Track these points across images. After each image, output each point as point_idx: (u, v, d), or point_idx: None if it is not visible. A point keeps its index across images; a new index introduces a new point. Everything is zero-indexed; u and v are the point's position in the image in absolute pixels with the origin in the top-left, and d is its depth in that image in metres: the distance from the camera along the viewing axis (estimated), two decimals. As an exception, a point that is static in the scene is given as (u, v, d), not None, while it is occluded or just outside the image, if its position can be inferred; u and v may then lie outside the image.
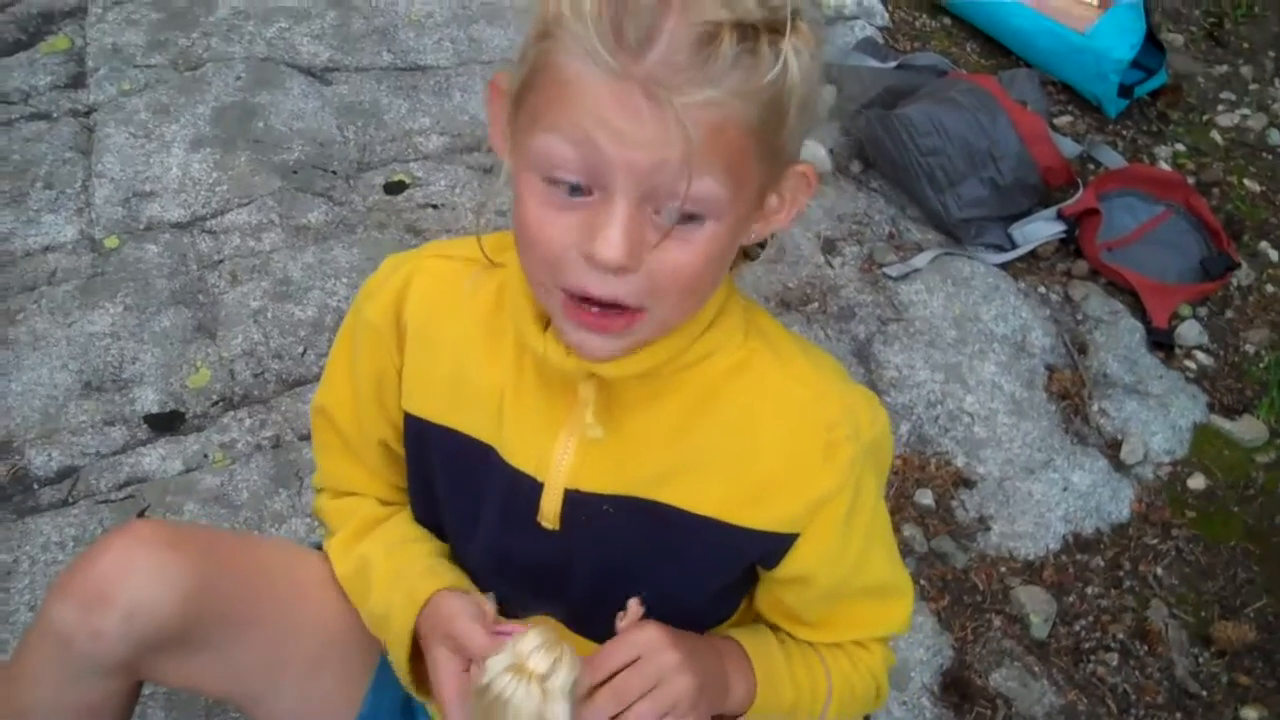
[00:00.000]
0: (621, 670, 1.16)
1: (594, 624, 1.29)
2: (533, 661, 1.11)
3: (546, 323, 1.17)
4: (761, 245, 1.22)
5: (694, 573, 1.28)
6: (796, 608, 1.31)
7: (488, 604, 1.24)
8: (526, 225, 1.06)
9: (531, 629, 1.14)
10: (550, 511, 1.24)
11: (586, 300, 1.06)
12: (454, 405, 1.28)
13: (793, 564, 1.25)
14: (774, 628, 1.36)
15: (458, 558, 1.36)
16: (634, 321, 1.08)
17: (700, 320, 1.18)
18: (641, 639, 1.17)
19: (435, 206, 2.88)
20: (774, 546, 1.24)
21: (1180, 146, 3.45)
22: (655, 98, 0.95)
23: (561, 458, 1.22)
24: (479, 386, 1.25)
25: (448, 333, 1.27)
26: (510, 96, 1.07)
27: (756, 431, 1.21)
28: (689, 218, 1.02)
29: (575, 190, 1.02)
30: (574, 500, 1.23)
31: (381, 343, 1.30)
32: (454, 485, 1.32)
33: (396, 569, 1.34)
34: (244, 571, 1.37)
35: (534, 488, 1.24)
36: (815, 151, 3.04)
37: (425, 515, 1.41)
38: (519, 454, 1.24)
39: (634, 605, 1.19)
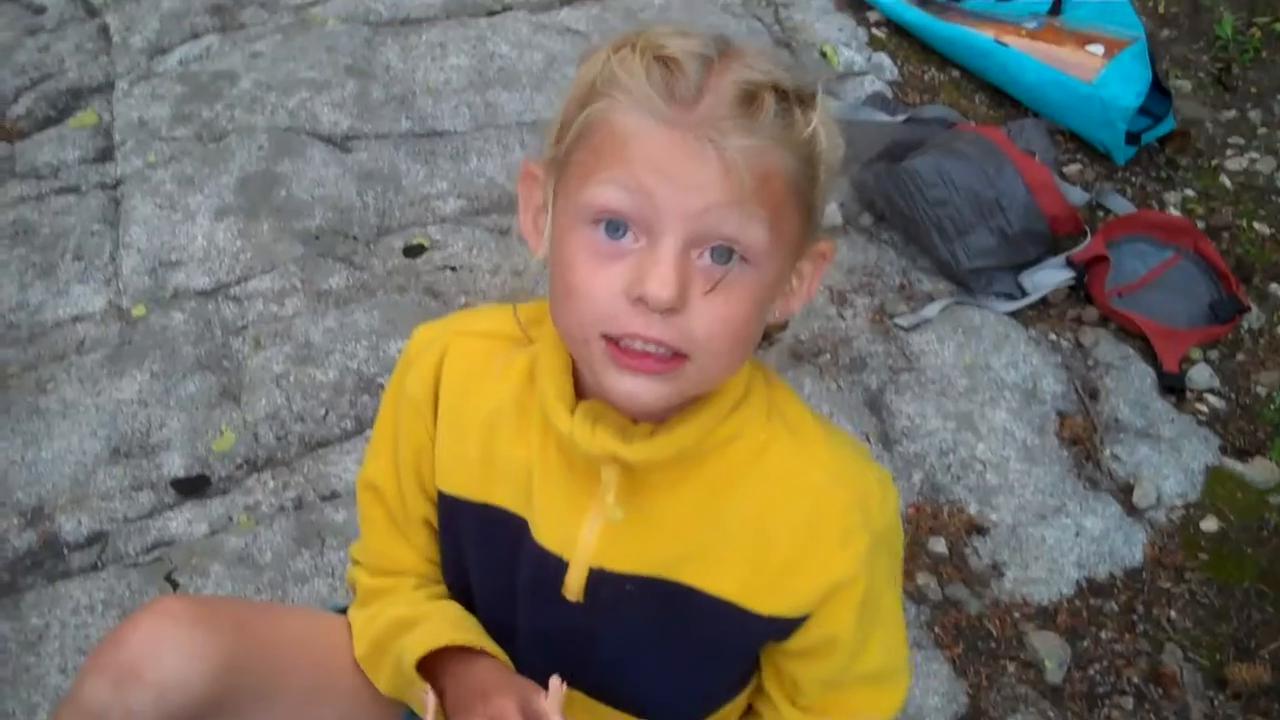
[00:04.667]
0: None
1: (617, 692, 1.35)
2: None
3: (573, 406, 1.22)
4: (781, 327, 1.28)
5: (710, 651, 1.33)
6: (798, 680, 1.35)
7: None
8: (576, 275, 1.11)
9: None
10: (575, 586, 1.28)
11: (631, 338, 1.10)
12: (487, 481, 1.31)
13: (802, 639, 1.30)
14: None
15: (486, 627, 1.38)
16: (678, 365, 1.12)
17: (728, 398, 1.22)
18: None
19: (454, 269, 2.93)
20: (787, 627, 1.29)
21: (1190, 192, 3.47)
22: (706, 140, 1.06)
23: (588, 537, 1.26)
24: (509, 463, 1.29)
25: (479, 411, 1.31)
26: (554, 165, 1.16)
27: (775, 517, 1.25)
28: (731, 254, 1.09)
29: (621, 232, 1.09)
30: (598, 578, 1.27)
31: (420, 416, 1.34)
32: (488, 559, 1.36)
33: (424, 612, 1.37)
34: (271, 644, 1.40)
35: (560, 564, 1.28)
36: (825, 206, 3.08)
37: (456, 583, 1.44)
38: (546, 533, 1.28)
39: (555, 683, 1.20)
